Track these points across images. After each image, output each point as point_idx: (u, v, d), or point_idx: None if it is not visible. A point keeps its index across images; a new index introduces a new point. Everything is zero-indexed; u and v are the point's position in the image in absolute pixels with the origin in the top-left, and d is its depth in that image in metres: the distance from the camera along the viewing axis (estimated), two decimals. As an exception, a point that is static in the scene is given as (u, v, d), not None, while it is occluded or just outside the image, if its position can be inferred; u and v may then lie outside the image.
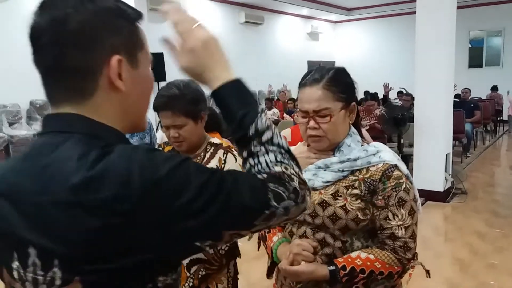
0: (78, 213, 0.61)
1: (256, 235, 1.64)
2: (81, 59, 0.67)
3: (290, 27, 12.41)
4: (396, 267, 1.23)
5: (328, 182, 1.29)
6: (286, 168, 0.73)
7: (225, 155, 1.68)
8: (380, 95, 8.62)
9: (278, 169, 0.73)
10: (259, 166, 0.73)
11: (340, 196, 1.27)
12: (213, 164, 1.67)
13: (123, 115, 0.73)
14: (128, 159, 0.64)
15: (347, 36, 14.29)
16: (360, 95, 8.45)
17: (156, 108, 1.65)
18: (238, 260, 1.85)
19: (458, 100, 8.73)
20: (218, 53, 0.77)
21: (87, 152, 0.64)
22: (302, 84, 1.31)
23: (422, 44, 5.17)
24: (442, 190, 5.26)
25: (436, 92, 5.13)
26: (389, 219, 1.24)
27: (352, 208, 1.25)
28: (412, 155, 5.53)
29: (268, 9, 11.32)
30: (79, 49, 0.67)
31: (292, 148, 1.46)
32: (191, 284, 1.67)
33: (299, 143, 1.46)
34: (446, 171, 5.33)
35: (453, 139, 6.70)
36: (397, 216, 1.24)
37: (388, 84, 8.17)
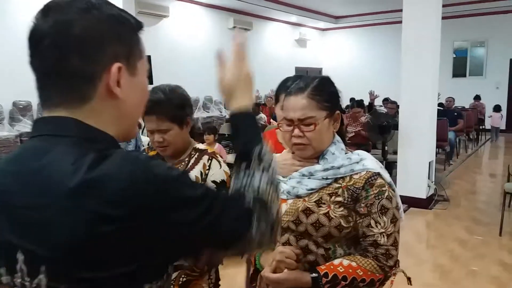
0: (72, 218, 0.60)
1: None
2: (82, 65, 0.67)
3: (279, 34, 12.49)
4: (378, 274, 1.25)
5: (312, 189, 1.31)
6: (271, 198, 0.77)
7: (209, 161, 1.68)
8: (366, 103, 8.71)
9: (265, 196, 0.76)
10: (249, 188, 0.77)
11: (324, 203, 1.28)
12: (197, 170, 1.66)
13: (118, 122, 0.74)
14: (132, 165, 0.65)
15: (334, 43, 14.43)
16: (346, 102, 8.56)
17: None
18: (221, 266, 1.85)
19: (442, 108, 8.88)
20: (250, 87, 0.91)
21: (83, 155, 0.64)
22: (287, 92, 1.33)
23: (408, 53, 5.26)
24: (425, 197, 5.34)
25: (421, 101, 5.22)
26: (372, 227, 1.26)
27: (335, 216, 1.26)
28: (396, 162, 5.60)
29: (257, 15, 11.38)
30: (81, 54, 0.67)
31: (277, 155, 1.49)
32: None
33: (284, 150, 1.47)
34: (429, 178, 5.41)
35: (437, 147, 6.82)
36: (380, 224, 1.25)
37: (373, 91, 8.26)
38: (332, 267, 1.25)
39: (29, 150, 0.69)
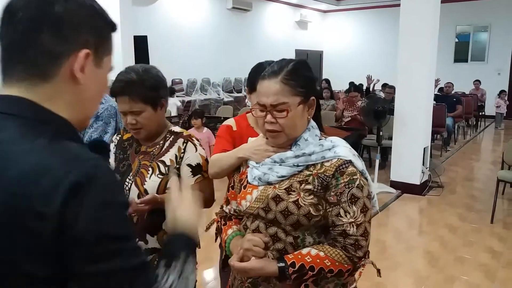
0: (6, 210, 0.61)
1: (213, 226, 1.62)
2: (53, 42, 0.69)
3: (278, 15, 12.30)
4: (346, 265, 1.22)
5: (283, 176, 1.27)
6: None
7: (184, 144, 1.64)
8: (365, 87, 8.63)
9: None
10: (164, 283, 0.74)
11: (294, 191, 1.25)
12: (172, 153, 1.63)
13: (74, 109, 0.74)
14: (71, 166, 0.63)
15: (335, 26, 14.22)
16: (345, 85, 8.46)
17: (112, 93, 1.59)
18: (205, 250, 1.83)
19: (440, 94, 8.80)
20: (197, 221, 0.96)
21: (33, 139, 0.65)
22: (261, 76, 1.28)
23: (405, 37, 5.17)
24: (418, 183, 5.32)
25: (417, 86, 5.15)
26: (341, 216, 1.22)
27: (304, 204, 1.23)
28: (391, 147, 5.56)
29: (256, -5, 11.20)
30: (55, 32, 0.69)
31: (251, 140, 1.45)
32: None
33: (259, 135, 1.43)
34: (424, 164, 5.38)
35: (434, 133, 6.78)
36: (349, 213, 1.22)
37: (371, 76, 8.17)
38: (300, 256, 1.22)
39: None
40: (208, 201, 1.70)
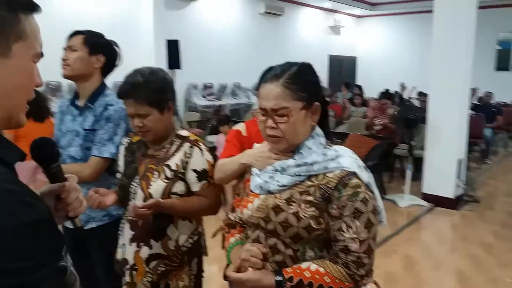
0: None
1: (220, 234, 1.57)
2: None
3: (311, 20, 12.17)
4: (347, 283, 1.13)
5: (284, 186, 1.20)
6: None
7: (191, 148, 1.61)
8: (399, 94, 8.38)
9: None
10: None
11: (294, 202, 1.17)
12: (178, 157, 1.60)
13: None
14: None
15: (369, 31, 13.93)
16: (377, 91, 8.22)
17: (119, 96, 1.58)
18: (206, 257, 1.77)
19: (479, 103, 8.41)
20: None
21: None
22: (264, 79, 1.22)
23: (438, 43, 4.97)
24: (452, 197, 5.06)
25: (451, 94, 4.92)
26: (343, 231, 1.14)
27: (304, 216, 1.15)
28: (423, 158, 5.34)
29: (289, 0, 11.13)
30: None
31: (256, 146, 1.38)
32: (150, 279, 1.62)
33: (264, 142, 1.36)
34: (458, 177, 5.12)
35: (471, 144, 6.46)
36: (351, 228, 1.13)
37: (404, 83, 7.92)
38: (298, 271, 1.14)
39: None
40: (213, 207, 1.66)
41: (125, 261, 1.66)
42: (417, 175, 6.17)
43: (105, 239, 1.79)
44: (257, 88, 1.70)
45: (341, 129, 7.06)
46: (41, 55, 0.75)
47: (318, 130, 1.25)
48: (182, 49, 7.61)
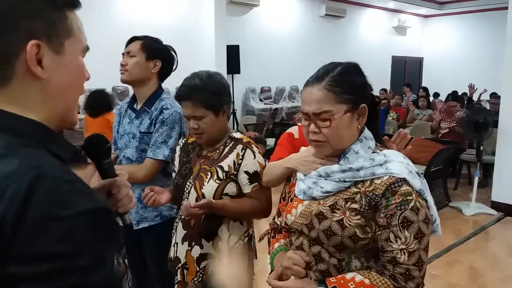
0: None
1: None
2: None
3: (375, 21, 11.83)
4: (394, 296, 1.07)
5: (328, 192, 1.17)
6: None
7: (243, 150, 1.62)
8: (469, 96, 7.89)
9: None
10: None
11: (339, 209, 1.13)
12: (230, 159, 1.62)
13: (45, 105, 0.69)
14: (12, 180, 0.57)
15: (437, 31, 13.26)
16: (447, 94, 7.80)
17: (177, 98, 1.64)
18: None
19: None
20: None
21: None
22: (306, 82, 1.19)
23: (512, 41, 4.61)
24: (525, 206, 4.68)
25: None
26: (391, 241, 1.08)
27: (350, 224, 1.11)
28: (493, 164, 4.98)
29: (351, 1, 10.89)
30: None
31: (303, 149, 1.36)
32: (200, 279, 1.64)
33: (309, 146, 1.34)
34: (532, 184, 4.73)
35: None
36: (400, 239, 1.07)
37: (473, 85, 7.44)
38: (342, 281, 1.10)
39: None
40: (264, 210, 1.66)
41: (177, 259, 1.70)
42: (485, 182, 5.78)
43: (157, 239, 1.85)
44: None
45: (403, 133, 6.76)
46: (87, 48, 0.76)
47: (367, 133, 1.20)
48: (241, 54, 7.72)
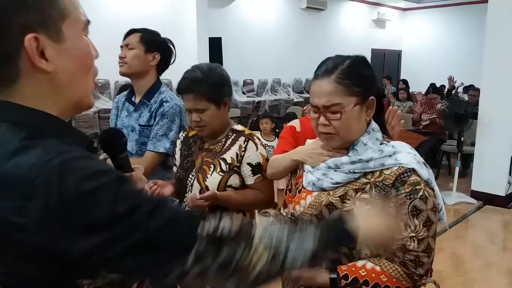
0: None
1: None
2: None
3: (355, 14, 11.93)
4: (404, 282, 1.12)
5: (337, 183, 1.20)
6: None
7: (246, 142, 1.63)
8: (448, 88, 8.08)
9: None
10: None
11: (349, 199, 1.17)
12: (233, 151, 1.63)
13: (58, 97, 0.68)
14: (40, 167, 0.58)
15: (415, 24, 13.47)
16: (425, 86, 7.96)
17: (179, 91, 1.64)
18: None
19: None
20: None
21: (5, 144, 0.61)
22: (315, 75, 1.21)
23: (493, 35, 4.74)
24: (503, 195, 4.85)
25: (505, 88, 4.69)
26: (401, 229, 1.12)
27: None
28: (473, 154, 5.14)
29: (332, -6, 10.96)
30: None
31: (309, 142, 1.38)
32: None
33: (316, 138, 1.36)
34: (510, 174, 4.90)
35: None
36: (410, 227, 1.11)
37: (453, 77, 7.63)
38: (353, 269, 1.14)
39: None
40: (267, 201, 1.68)
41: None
42: (465, 172, 5.96)
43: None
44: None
45: (385, 124, 6.88)
46: (88, 22, 0.72)
47: (374, 125, 1.23)
48: (224, 46, 7.68)
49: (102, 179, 0.60)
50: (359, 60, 1.20)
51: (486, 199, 4.91)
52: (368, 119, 1.21)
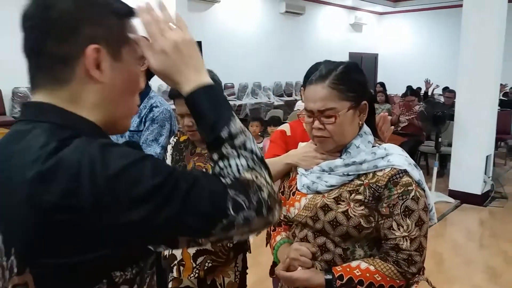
0: (29, 207, 0.61)
1: (264, 231, 1.61)
2: (57, 46, 0.68)
3: (332, 18, 12.11)
4: (398, 281, 1.16)
5: (332, 186, 1.23)
6: (256, 177, 0.70)
7: None
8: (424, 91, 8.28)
9: (248, 176, 0.69)
10: (229, 169, 0.70)
11: (343, 201, 1.20)
12: None
13: (101, 107, 0.72)
14: (81, 153, 0.62)
15: (392, 28, 13.78)
16: (402, 89, 8.14)
17: (171, 96, 1.64)
18: (250, 254, 1.82)
19: (505, 99, 8.26)
20: (190, 56, 0.75)
21: (48, 143, 0.64)
22: (309, 80, 1.24)
23: (467, 38, 4.91)
24: (479, 193, 5.00)
25: (480, 90, 4.85)
26: (393, 229, 1.16)
27: (354, 215, 1.18)
28: (450, 154, 5.29)
29: (310, -1, 11.10)
30: (56, 37, 0.68)
31: (301, 145, 1.41)
32: (196, 275, 1.66)
33: (308, 141, 1.40)
34: (486, 173, 5.06)
35: (498, 140, 6.36)
36: (402, 227, 1.15)
37: (429, 80, 7.82)
38: (348, 269, 1.17)
39: (11, 134, 0.71)
40: None
41: (173, 256, 1.71)
42: (443, 172, 6.11)
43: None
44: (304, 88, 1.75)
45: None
46: (143, 57, 0.77)
47: (366, 128, 1.27)
48: (204, 51, 7.67)
49: (133, 156, 0.64)
50: (352, 66, 1.24)
51: (463, 198, 5.06)
52: (360, 123, 1.25)
